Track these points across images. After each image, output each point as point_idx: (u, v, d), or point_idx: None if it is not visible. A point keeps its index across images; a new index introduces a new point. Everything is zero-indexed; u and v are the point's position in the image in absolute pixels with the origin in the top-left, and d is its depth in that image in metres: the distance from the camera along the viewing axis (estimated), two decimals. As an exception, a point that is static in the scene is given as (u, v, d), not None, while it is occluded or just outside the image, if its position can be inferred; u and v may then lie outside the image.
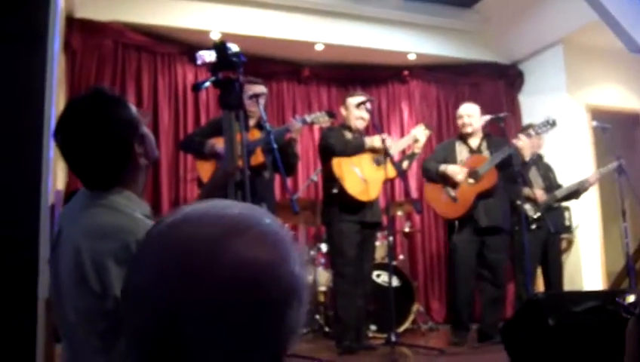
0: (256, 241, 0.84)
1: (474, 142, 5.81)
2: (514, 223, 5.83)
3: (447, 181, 5.63)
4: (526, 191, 5.82)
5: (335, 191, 5.20)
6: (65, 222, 1.96)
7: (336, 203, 5.27)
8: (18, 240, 3.57)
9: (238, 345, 0.81)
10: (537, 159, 6.33)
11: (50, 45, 4.04)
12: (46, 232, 3.73)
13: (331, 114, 5.20)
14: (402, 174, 5.40)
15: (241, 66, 2.57)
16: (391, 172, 5.22)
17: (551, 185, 6.30)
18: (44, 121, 3.88)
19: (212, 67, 2.58)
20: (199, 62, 2.63)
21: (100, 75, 6.73)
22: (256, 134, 4.86)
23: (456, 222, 5.64)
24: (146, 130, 2.02)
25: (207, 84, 2.66)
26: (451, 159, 5.75)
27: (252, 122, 5.06)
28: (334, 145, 5.27)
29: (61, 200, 4.76)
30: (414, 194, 7.75)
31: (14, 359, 3.42)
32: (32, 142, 3.82)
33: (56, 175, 4.90)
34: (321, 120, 5.03)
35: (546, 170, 6.39)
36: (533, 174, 6.21)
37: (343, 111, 5.53)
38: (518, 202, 5.56)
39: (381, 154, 5.19)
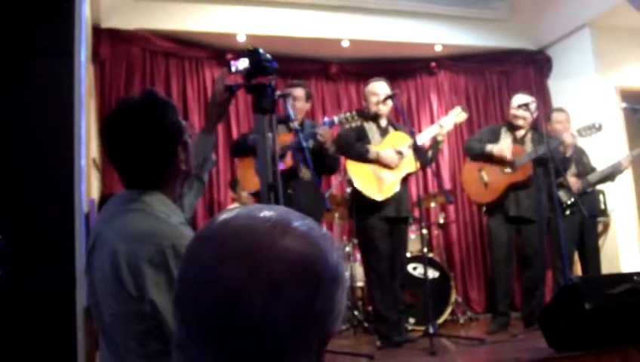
0: (300, 236, 0.93)
1: (520, 132, 5.79)
2: (549, 210, 5.77)
3: (490, 161, 5.59)
4: (560, 178, 5.76)
5: (349, 190, 5.19)
6: (101, 226, 1.98)
7: (358, 200, 5.26)
8: (54, 250, 3.61)
9: (297, 321, 0.90)
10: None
11: (78, 56, 4.08)
12: (81, 241, 3.77)
13: (361, 113, 5.17)
14: (427, 165, 5.36)
15: (274, 72, 2.59)
16: (412, 166, 5.17)
17: (585, 169, 6.25)
18: (74, 130, 3.93)
19: (245, 73, 2.59)
20: (233, 69, 2.64)
21: (129, 83, 6.79)
22: (287, 138, 4.86)
23: (484, 207, 5.62)
24: (189, 140, 2.06)
25: (240, 88, 2.67)
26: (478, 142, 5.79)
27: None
28: (340, 146, 5.28)
29: (95, 208, 4.81)
30: (447, 185, 7.70)
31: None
32: (65, 151, 3.86)
33: (90, 184, 4.95)
34: (350, 119, 4.99)
35: (580, 154, 6.32)
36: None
37: (364, 103, 5.51)
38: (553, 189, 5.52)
39: (398, 150, 5.17)
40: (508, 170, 5.61)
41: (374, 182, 5.18)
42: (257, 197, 4.95)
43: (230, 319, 0.88)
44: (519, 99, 5.84)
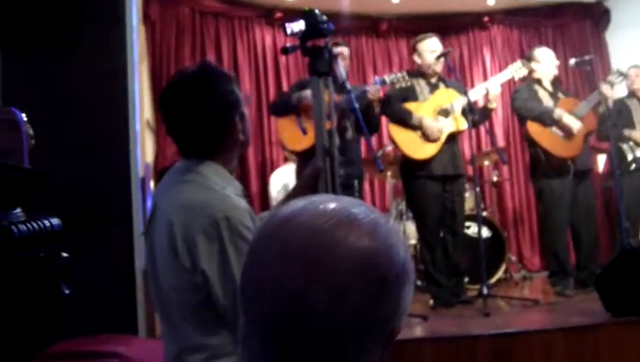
0: (365, 232, 0.91)
1: (549, 87, 5.60)
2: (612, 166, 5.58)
3: (556, 125, 5.44)
4: (626, 132, 5.61)
5: (389, 147, 5.08)
6: (159, 197, 2.01)
7: (404, 159, 5.20)
8: (112, 215, 3.69)
9: (361, 320, 0.88)
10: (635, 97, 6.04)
11: (129, 20, 4.12)
12: (138, 205, 3.85)
13: (412, 73, 5.07)
14: (475, 125, 5.26)
15: (329, 34, 2.55)
16: (461, 125, 5.07)
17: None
18: (128, 96, 3.98)
19: (301, 35, 2.55)
20: (288, 31, 2.60)
21: (179, 44, 6.79)
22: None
23: (569, 162, 5.36)
24: (246, 111, 2.06)
25: (296, 50, 2.64)
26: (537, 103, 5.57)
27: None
28: (384, 107, 5.21)
29: (150, 173, 4.88)
30: (501, 142, 7.58)
31: (119, 328, 3.55)
32: (119, 116, 3.92)
33: (145, 147, 5.01)
34: (401, 80, 4.91)
35: (622, 107, 6.07)
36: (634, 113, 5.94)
37: (416, 58, 5.35)
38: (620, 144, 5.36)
39: (444, 109, 5.09)
40: (581, 129, 5.38)
41: (415, 141, 5.09)
42: (302, 156, 4.88)
43: (293, 319, 0.87)
44: (551, 54, 5.61)
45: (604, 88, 5.41)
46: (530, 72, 5.58)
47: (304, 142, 4.86)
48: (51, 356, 2.81)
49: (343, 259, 0.88)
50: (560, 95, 5.57)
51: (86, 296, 2.73)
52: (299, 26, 2.57)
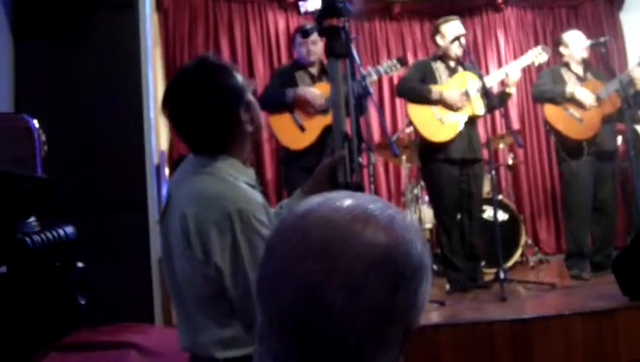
0: (381, 227, 0.91)
1: (578, 70, 5.54)
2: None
3: (571, 103, 5.38)
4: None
5: (408, 130, 5.01)
6: (174, 188, 2.01)
7: (423, 143, 5.18)
8: (127, 203, 3.69)
9: (378, 316, 0.88)
10: None
11: (142, 7, 4.10)
12: (153, 193, 3.85)
13: (402, 61, 5.04)
14: (493, 109, 5.23)
15: (347, 13, 2.47)
16: (478, 109, 5.03)
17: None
18: (141, 81, 3.97)
19: (317, 15, 2.48)
20: (302, 10, 2.55)
21: (192, 30, 6.78)
22: (327, 87, 4.72)
23: (584, 144, 5.33)
24: (252, 97, 2.04)
25: (315, 31, 2.56)
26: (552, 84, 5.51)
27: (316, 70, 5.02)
28: (401, 89, 5.22)
29: (165, 160, 4.88)
30: (515, 125, 7.53)
31: (135, 316, 3.56)
32: (133, 103, 3.92)
33: (159, 135, 5.01)
34: (394, 69, 4.90)
35: None
36: None
37: (438, 40, 5.27)
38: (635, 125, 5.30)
39: (464, 92, 5.04)
40: (593, 103, 5.36)
41: (434, 123, 5.06)
42: (305, 154, 4.76)
43: (310, 315, 0.87)
44: (580, 37, 5.56)
45: (636, 71, 5.36)
46: (560, 55, 5.58)
47: (304, 140, 4.82)
48: (67, 346, 2.83)
49: (359, 253, 0.88)
50: (589, 77, 5.52)
51: (102, 284, 2.74)
52: (314, 4, 2.51)
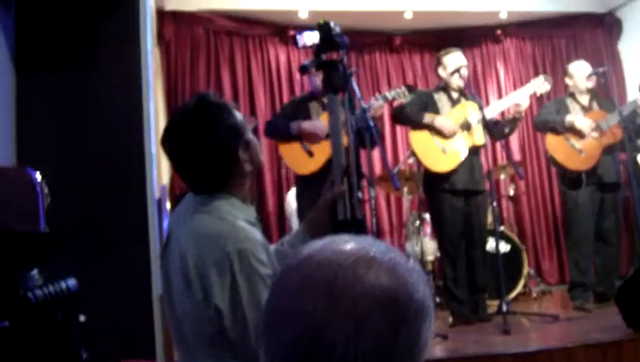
0: (384, 270, 0.93)
1: (583, 99, 5.56)
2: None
3: (572, 133, 5.39)
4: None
5: (411, 160, 5.03)
6: (174, 225, 2.01)
7: (427, 173, 5.19)
8: (128, 237, 3.67)
9: (381, 355, 0.89)
10: None
11: (144, 41, 4.12)
12: (154, 227, 3.83)
13: (410, 88, 5.07)
14: (499, 138, 5.23)
15: (344, 47, 2.47)
16: (479, 140, 5.05)
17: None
18: (143, 117, 3.97)
19: (315, 48, 2.48)
20: (300, 44, 2.55)
21: (194, 63, 6.84)
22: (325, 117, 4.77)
23: (583, 175, 5.34)
24: (252, 136, 2.04)
25: (314, 65, 2.57)
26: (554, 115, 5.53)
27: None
28: (395, 114, 5.25)
29: (167, 194, 4.87)
30: (517, 155, 7.54)
31: (136, 353, 3.52)
32: (134, 137, 3.92)
33: (161, 169, 5.01)
34: (402, 95, 4.92)
35: None
36: None
37: (440, 72, 5.32)
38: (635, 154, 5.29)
39: (464, 122, 5.05)
40: (595, 134, 5.38)
41: (435, 153, 5.07)
42: (310, 181, 4.80)
43: (313, 352, 0.88)
44: (585, 67, 5.59)
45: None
46: (566, 85, 5.68)
47: (311, 165, 4.86)
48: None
49: (363, 293, 0.89)
50: (595, 106, 5.56)
51: (103, 320, 2.72)
52: (311, 38, 2.51)
